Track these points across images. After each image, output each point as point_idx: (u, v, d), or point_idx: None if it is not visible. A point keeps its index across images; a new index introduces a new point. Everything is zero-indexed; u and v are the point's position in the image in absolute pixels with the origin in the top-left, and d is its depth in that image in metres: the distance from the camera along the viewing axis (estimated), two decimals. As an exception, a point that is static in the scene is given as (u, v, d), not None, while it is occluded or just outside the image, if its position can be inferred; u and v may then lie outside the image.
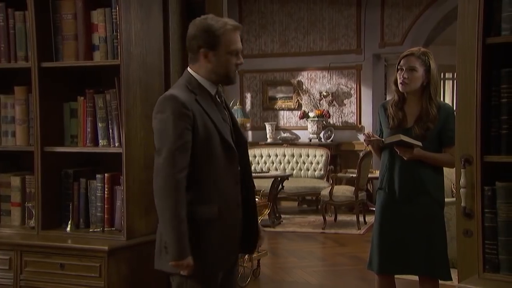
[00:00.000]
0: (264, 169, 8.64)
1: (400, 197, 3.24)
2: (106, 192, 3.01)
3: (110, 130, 2.99)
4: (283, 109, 9.65)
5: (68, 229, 3.03)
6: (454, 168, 3.25)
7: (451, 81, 13.33)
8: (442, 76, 12.97)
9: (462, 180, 2.63)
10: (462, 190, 2.63)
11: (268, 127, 9.45)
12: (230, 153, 2.42)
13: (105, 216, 3.03)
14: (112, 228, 3.02)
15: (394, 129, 3.27)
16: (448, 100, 13.05)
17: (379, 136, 3.34)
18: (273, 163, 8.87)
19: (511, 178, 2.26)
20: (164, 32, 3.14)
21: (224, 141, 2.40)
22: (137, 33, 2.96)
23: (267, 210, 5.32)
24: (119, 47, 2.88)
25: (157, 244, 2.44)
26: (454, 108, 3.19)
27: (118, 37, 2.88)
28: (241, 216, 2.48)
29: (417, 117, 3.25)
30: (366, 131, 3.35)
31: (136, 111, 2.96)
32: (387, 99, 9.39)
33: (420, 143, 3.16)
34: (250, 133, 9.85)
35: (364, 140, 3.32)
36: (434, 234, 3.23)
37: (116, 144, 2.97)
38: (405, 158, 3.19)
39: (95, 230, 3.03)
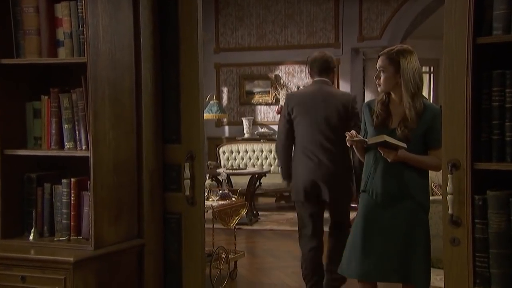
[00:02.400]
0: (241, 165, 8.48)
1: (384, 201, 3.13)
2: (72, 198, 2.84)
3: (77, 132, 2.83)
4: (260, 104, 9.51)
5: (31, 237, 2.84)
6: (440, 171, 3.20)
7: (428, 75, 13.37)
8: (419, 70, 12.94)
9: (449, 186, 2.50)
10: (449, 196, 2.51)
11: (245, 122, 9.30)
12: None
13: (71, 223, 2.85)
14: (79, 237, 2.85)
15: (378, 127, 3.16)
16: (425, 94, 13.06)
17: (363, 137, 3.22)
18: (250, 159, 8.72)
19: (502, 186, 2.14)
20: (135, 27, 2.97)
21: None
22: (105, 28, 2.79)
23: (244, 210, 5.17)
24: (85, 43, 2.71)
25: None
26: (432, 102, 3.13)
27: (85, 32, 2.70)
28: None
29: (402, 118, 3.14)
30: (350, 131, 3.21)
31: (104, 112, 2.80)
32: (365, 93, 9.40)
33: (404, 145, 3.05)
34: (226, 128, 9.69)
35: (347, 140, 3.18)
36: (418, 240, 3.12)
37: (83, 147, 2.82)
38: (388, 160, 3.08)
39: (60, 239, 2.85)
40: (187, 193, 3.06)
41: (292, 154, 4.16)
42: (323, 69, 4.07)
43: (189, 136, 3.11)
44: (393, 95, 3.17)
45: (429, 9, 9.22)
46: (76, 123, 2.83)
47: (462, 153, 2.52)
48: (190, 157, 3.07)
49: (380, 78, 3.14)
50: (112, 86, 2.84)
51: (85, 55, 2.70)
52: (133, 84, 2.96)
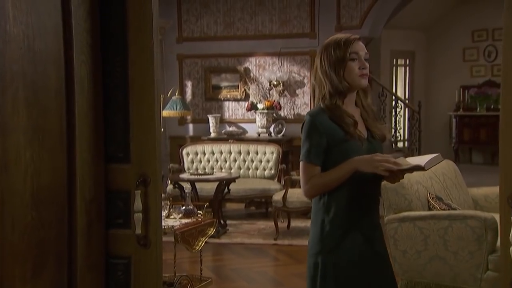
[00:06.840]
0: (207, 169, 7.67)
1: None
2: (-28, 245, 2.05)
3: (-21, 150, 2.06)
4: (228, 100, 8.76)
5: None
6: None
7: (403, 68, 12.79)
8: (394, 63, 12.41)
9: (513, 234, 1.77)
10: (513, 249, 1.77)
11: (211, 120, 8.53)
12: None
13: (-30, 282, 2.06)
14: (-20, 302, 2.05)
15: (357, 139, 2.42)
16: (400, 89, 12.47)
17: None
18: (217, 161, 7.91)
19: None
20: (63, 4, 2.23)
21: None
22: (16, 3, 2.03)
23: (212, 229, 4.39)
24: (-13, 24, 1.97)
25: None
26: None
27: (-14, 8, 1.96)
28: None
29: (365, 121, 2.54)
30: (389, 159, 2.41)
31: (18, 122, 2.06)
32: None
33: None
34: (191, 126, 8.90)
35: (386, 172, 2.32)
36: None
37: (-13, 172, 2.04)
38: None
39: (-48, 306, 2.03)
40: (138, 230, 2.33)
41: None
42: None
43: (141, 153, 2.39)
44: (350, 95, 2.48)
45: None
46: (-23, 138, 2.05)
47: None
48: (142, 182, 2.35)
49: (366, 67, 2.44)
50: (30, 86, 2.11)
51: (-13, 41, 1.98)
52: (61, 83, 2.24)
